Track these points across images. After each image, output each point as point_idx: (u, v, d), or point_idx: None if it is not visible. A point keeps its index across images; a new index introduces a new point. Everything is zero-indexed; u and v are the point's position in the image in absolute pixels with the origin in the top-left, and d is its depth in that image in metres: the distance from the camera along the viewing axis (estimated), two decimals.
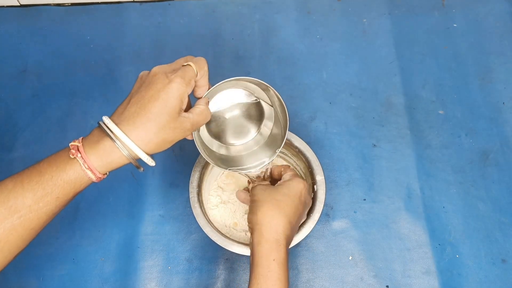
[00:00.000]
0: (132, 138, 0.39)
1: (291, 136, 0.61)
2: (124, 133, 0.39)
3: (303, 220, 0.56)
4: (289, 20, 0.79)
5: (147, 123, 0.39)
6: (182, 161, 0.69)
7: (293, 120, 0.71)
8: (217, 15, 0.80)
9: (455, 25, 0.77)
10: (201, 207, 0.58)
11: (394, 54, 0.75)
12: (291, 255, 0.63)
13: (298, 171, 0.65)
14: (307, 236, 0.57)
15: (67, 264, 0.62)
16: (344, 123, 0.70)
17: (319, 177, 0.59)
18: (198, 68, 0.44)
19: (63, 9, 0.81)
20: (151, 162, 0.42)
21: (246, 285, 0.58)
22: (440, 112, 0.71)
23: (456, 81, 0.72)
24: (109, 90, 0.74)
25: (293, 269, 0.62)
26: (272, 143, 0.55)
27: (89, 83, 0.75)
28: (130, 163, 0.41)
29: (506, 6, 0.77)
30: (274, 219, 0.48)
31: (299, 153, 0.62)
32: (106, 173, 0.42)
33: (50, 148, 0.70)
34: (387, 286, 0.61)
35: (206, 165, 0.62)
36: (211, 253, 0.63)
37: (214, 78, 0.74)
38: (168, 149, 0.43)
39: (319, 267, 0.62)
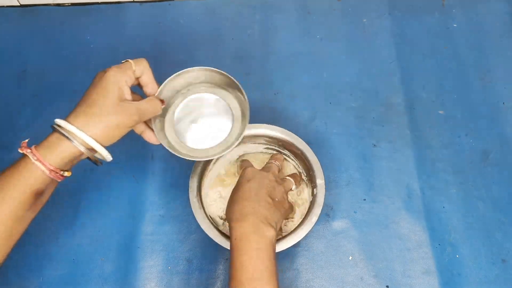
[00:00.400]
0: (78, 126, 0.42)
1: (291, 137, 0.62)
2: (69, 122, 0.42)
3: (271, 189, 0.54)
4: (289, 20, 0.79)
5: (89, 111, 0.43)
6: (182, 161, 0.69)
7: (293, 120, 0.71)
8: (217, 16, 0.80)
9: (455, 25, 0.77)
10: (201, 207, 0.58)
11: (394, 54, 0.75)
12: (291, 255, 0.62)
13: (300, 172, 0.65)
14: (307, 236, 0.57)
15: (67, 264, 0.62)
16: (344, 123, 0.70)
17: (319, 181, 0.59)
18: (135, 62, 0.47)
19: (63, 9, 0.81)
20: (106, 154, 0.44)
21: None
22: (440, 112, 0.71)
23: (456, 81, 0.72)
24: None
25: (292, 269, 0.62)
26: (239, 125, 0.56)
27: (89, 83, 0.74)
28: (87, 158, 0.44)
29: (506, 6, 0.77)
30: (230, 209, 0.52)
31: (301, 154, 0.62)
32: (64, 170, 0.43)
33: None
34: (387, 286, 0.61)
35: (206, 165, 0.62)
36: (211, 253, 0.63)
37: None
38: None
39: (319, 267, 0.62)
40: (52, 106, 0.73)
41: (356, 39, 0.77)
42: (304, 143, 0.61)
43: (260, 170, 0.58)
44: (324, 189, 0.59)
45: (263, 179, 0.55)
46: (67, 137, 0.42)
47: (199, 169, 0.61)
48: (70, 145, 0.42)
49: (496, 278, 0.61)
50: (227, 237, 0.57)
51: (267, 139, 0.64)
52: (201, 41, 0.78)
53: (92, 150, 0.43)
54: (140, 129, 0.51)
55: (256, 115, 0.71)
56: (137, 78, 0.49)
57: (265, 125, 0.63)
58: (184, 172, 0.67)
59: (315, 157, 0.60)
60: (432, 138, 0.69)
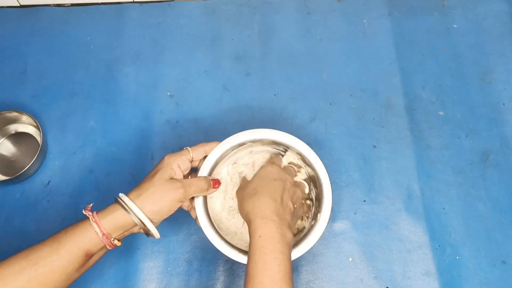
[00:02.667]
0: (135, 202, 0.48)
1: (301, 148, 0.57)
2: (132, 201, 0.48)
3: (292, 194, 0.53)
4: (289, 20, 0.78)
5: (144, 186, 0.49)
6: None
7: (293, 121, 0.71)
8: (217, 16, 0.79)
9: (455, 25, 0.76)
10: (204, 211, 0.57)
11: (394, 55, 0.75)
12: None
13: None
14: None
15: None
16: (344, 124, 0.70)
17: (326, 204, 0.55)
18: (193, 149, 0.55)
19: (63, 10, 0.81)
20: (154, 231, 0.49)
21: None
22: (440, 113, 0.70)
23: (456, 81, 0.72)
24: (108, 91, 0.74)
25: (293, 270, 0.62)
26: None
27: (89, 83, 0.75)
28: (141, 231, 0.50)
29: (506, 6, 0.77)
30: (253, 204, 0.51)
31: (312, 176, 0.58)
32: (116, 239, 0.48)
33: (51, 148, 0.70)
34: None
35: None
36: (211, 255, 0.63)
37: (214, 79, 0.74)
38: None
39: (319, 269, 0.62)
40: (51, 106, 0.73)
41: (356, 39, 0.76)
42: (314, 155, 0.56)
43: (283, 168, 0.57)
44: (330, 209, 0.54)
45: (286, 182, 0.54)
46: (124, 208, 0.47)
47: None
48: (126, 216, 0.47)
49: (497, 280, 0.61)
50: (231, 245, 0.54)
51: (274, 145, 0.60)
52: (201, 41, 0.77)
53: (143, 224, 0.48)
54: (186, 205, 0.56)
55: (256, 116, 0.71)
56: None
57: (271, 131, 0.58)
58: None
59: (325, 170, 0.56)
60: (432, 139, 0.69)
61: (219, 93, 0.73)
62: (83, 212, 0.48)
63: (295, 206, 0.53)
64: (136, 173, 0.68)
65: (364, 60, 0.75)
